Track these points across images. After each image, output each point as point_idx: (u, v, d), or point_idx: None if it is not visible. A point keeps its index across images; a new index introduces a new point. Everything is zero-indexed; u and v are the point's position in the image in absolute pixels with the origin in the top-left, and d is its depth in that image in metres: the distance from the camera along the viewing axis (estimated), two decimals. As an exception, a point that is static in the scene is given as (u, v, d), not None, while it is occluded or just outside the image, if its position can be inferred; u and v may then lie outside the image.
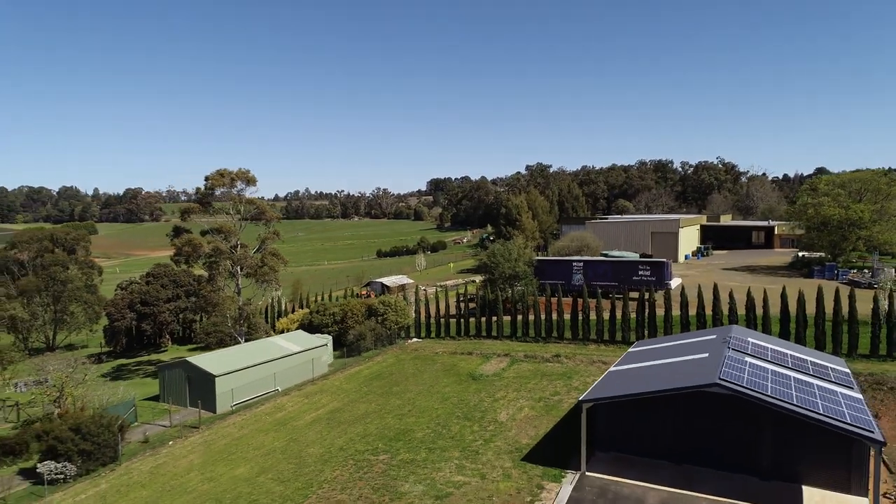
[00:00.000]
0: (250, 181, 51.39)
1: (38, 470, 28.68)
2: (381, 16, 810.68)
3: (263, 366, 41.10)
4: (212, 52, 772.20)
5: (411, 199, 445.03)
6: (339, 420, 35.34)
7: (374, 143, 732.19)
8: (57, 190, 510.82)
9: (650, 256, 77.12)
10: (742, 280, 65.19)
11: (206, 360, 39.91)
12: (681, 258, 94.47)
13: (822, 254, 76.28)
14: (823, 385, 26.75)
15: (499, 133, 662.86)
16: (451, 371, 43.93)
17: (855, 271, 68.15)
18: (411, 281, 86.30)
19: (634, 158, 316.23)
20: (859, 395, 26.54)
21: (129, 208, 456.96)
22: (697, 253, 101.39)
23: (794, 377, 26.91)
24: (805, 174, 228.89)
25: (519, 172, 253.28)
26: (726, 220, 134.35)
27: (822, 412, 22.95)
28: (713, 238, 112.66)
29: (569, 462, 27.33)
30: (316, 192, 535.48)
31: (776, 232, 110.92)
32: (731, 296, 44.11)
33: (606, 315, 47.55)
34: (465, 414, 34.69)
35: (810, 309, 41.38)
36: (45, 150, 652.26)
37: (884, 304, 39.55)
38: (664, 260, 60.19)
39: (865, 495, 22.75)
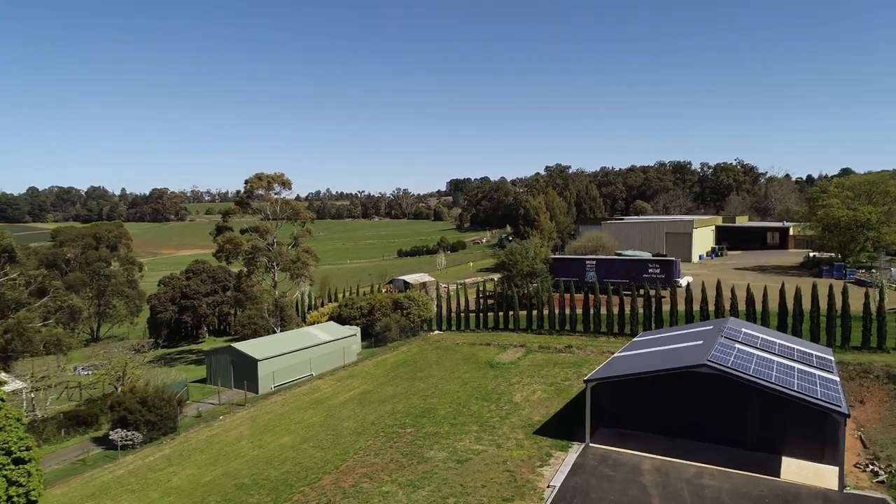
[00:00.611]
0: (286, 184, 55.63)
1: (110, 437, 32.94)
2: (405, 16, 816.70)
3: (299, 352, 45.18)
4: (234, 54, 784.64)
5: (431, 200, 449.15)
6: (370, 400, 39.21)
7: (394, 143, 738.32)
8: (85, 190, 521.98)
9: (664, 256, 79.86)
10: (752, 279, 67.70)
11: (249, 346, 44.12)
12: (695, 258, 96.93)
13: (833, 254, 78.52)
14: (804, 369, 29.93)
15: (519, 133, 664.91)
16: (471, 360, 47.58)
17: (863, 271, 70.41)
18: (432, 279, 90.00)
19: (654, 159, 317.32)
20: (836, 378, 29.64)
21: (155, 208, 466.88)
22: (712, 253, 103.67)
23: (777, 361, 30.14)
24: (830, 175, 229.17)
25: (538, 173, 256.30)
26: (742, 221, 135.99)
27: (796, 390, 26.20)
28: (728, 239, 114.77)
29: (575, 435, 30.82)
30: (337, 192, 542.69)
31: (791, 233, 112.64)
32: (732, 292, 47.24)
33: (616, 310, 50.87)
34: (483, 396, 38.33)
35: (808, 305, 44.26)
36: (74, 150, 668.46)
37: (875, 301, 42.32)
38: (673, 259, 63.27)
39: (836, 465, 25.90)
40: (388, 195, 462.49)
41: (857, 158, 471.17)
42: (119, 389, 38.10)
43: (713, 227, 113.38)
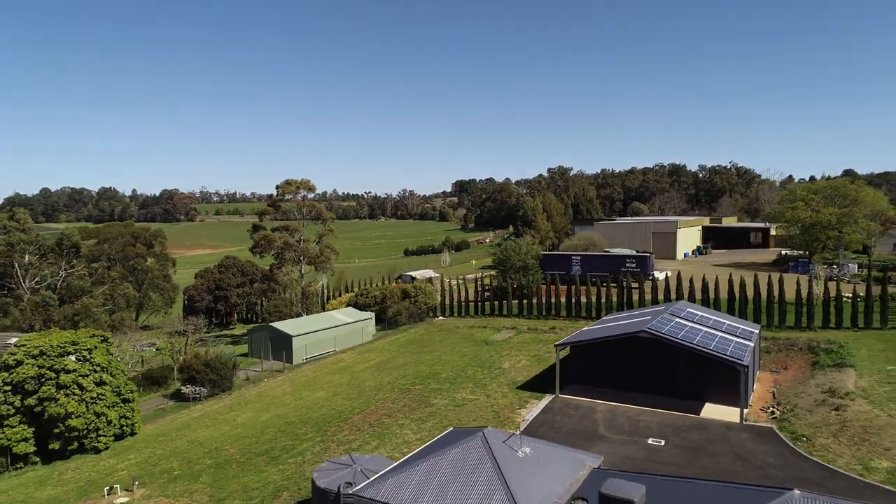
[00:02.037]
0: (311, 188, 64.45)
1: (182, 391, 41.80)
2: (414, 18, 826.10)
3: (325, 331, 53.91)
4: (241, 56, 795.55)
5: (436, 201, 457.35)
6: (385, 367, 47.89)
7: (401, 144, 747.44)
8: (97, 191, 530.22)
9: (643, 252, 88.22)
10: (724, 274, 75.48)
11: (284, 325, 52.92)
12: (679, 255, 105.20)
13: (801, 251, 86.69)
14: (725, 336, 38.40)
15: (524, 135, 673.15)
16: (469, 339, 56.18)
17: (825, 266, 78.58)
18: (437, 274, 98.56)
19: (655, 160, 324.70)
20: (750, 344, 38.00)
21: (165, 209, 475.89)
22: (696, 251, 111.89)
23: (704, 331, 38.65)
24: (831, 176, 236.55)
25: (541, 175, 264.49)
26: (730, 222, 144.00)
27: (711, 349, 34.72)
28: (715, 238, 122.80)
29: (548, 390, 39.38)
30: (343, 193, 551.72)
31: (772, 233, 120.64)
32: (691, 282, 55.73)
33: (594, 298, 59.39)
34: (477, 364, 46.94)
35: (764, 294, 52.71)
36: (86, 152, 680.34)
37: (806, 289, 50.74)
38: (647, 254, 71.80)
39: (743, 407, 34.26)
40: (394, 196, 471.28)
41: (861, 159, 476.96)
42: (182, 359, 46.84)
43: (699, 228, 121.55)
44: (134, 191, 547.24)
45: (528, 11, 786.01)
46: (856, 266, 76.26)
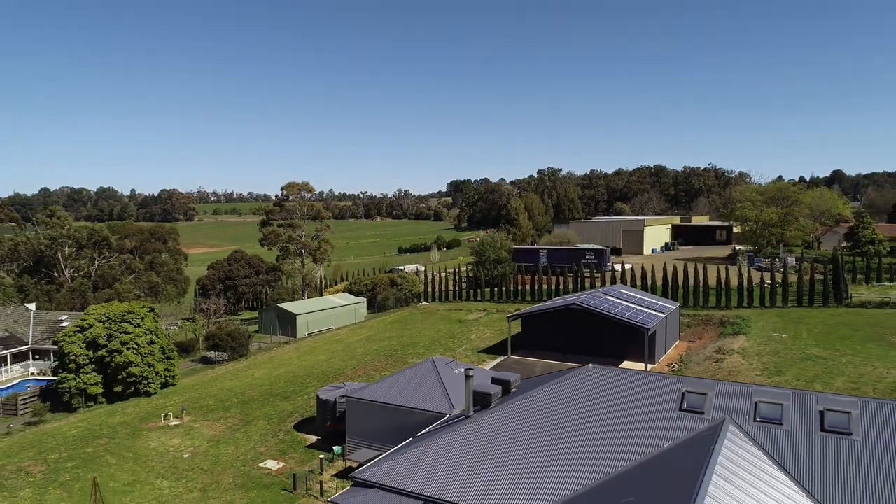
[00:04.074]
0: (310, 190, 74.53)
1: (208, 355, 51.74)
2: (409, 19, 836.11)
3: (324, 311, 63.88)
4: (238, 57, 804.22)
5: (431, 201, 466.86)
6: (373, 339, 57.88)
7: (397, 145, 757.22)
8: (95, 190, 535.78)
9: (606, 247, 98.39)
10: (679, 266, 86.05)
11: (289, 305, 62.93)
12: (647, 251, 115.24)
13: (750, 247, 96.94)
14: (642, 309, 48.44)
15: (519, 136, 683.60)
16: (446, 318, 66.18)
17: (768, 260, 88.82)
18: (423, 268, 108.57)
19: (643, 162, 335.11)
20: (661, 315, 47.95)
21: (164, 208, 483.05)
22: (664, 247, 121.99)
23: (626, 305, 48.71)
24: (820, 176, 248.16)
25: (532, 176, 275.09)
26: (701, 220, 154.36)
27: (626, 318, 44.73)
28: (684, 236, 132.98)
29: (503, 353, 49.38)
30: (340, 193, 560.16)
31: (734, 231, 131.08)
32: (632, 269, 65.81)
33: (554, 286, 69.46)
34: (450, 336, 56.95)
35: (693, 280, 62.90)
36: (84, 151, 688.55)
37: (735, 277, 61.01)
38: (604, 248, 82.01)
39: (649, 361, 44.20)
40: (389, 196, 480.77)
41: (849, 161, 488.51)
42: (206, 331, 56.73)
43: (668, 226, 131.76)
44: (132, 190, 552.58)
45: (529, 12, 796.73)
46: (793, 259, 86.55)
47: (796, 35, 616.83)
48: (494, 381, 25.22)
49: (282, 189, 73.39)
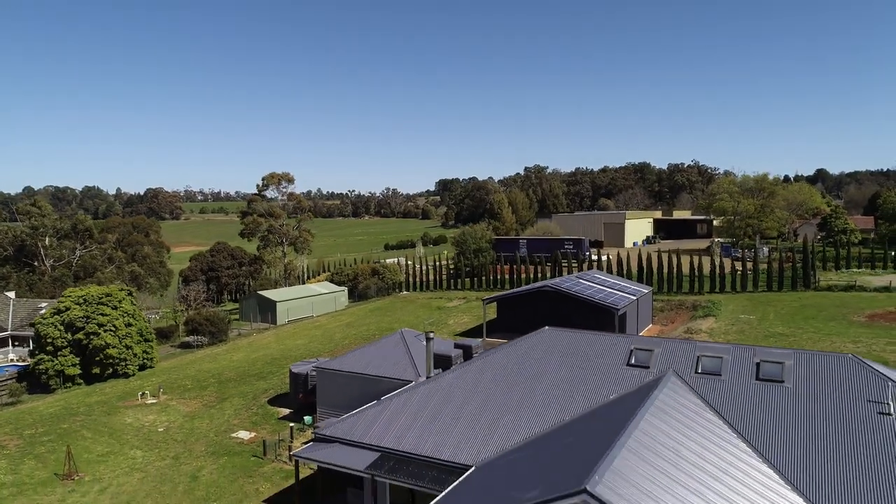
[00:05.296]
0: (290, 180, 75.09)
1: (188, 340, 52.23)
2: (395, 17, 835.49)
3: (304, 298, 64.49)
4: (225, 56, 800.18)
5: (420, 199, 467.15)
6: (353, 325, 58.61)
7: (386, 143, 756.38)
8: (80, 189, 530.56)
9: (584, 238, 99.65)
10: (655, 256, 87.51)
11: (270, 293, 63.51)
12: (629, 244, 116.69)
13: (727, 238, 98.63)
14: (614, 292, 49.55)
15: (507, 135, 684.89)
16: (426, 306, 67.01)
17: (744, 250, 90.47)
18: (406, 259, 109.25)
19: (627, 160, 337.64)
20: (632, 297, 49.08)
21: (150, 207, 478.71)
22: (646, 241, 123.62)
23: (598, 288, 49.79)
24: (804, 175, 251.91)
25: (518, 173, 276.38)
26: (683, 215, 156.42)
27: (597, 299, 45.78)
28: (666, 230, 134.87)
29: (478, 336, 50.24)
30: (328, 192, 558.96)
31: (715, 224, 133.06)
32: (609, 258, 66.99)
33: (532, 274, 70.51)
34: (429, 322, 57.76)
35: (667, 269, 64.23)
36: (69, 150, 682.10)
37: (709, 266, 62.44)
38: (582, 238, 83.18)
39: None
40: (377, 195, 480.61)
41: (833, 159, 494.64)
42: (186, 316, 57.18)
43: (650, 220, 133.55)
44: (118, 189, 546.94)
45: (519, 10, 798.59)
46: (767, 249, 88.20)
47: (781, 32, 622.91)
48: (457, 346, 26.12)
49: (262, 179, 74.10)
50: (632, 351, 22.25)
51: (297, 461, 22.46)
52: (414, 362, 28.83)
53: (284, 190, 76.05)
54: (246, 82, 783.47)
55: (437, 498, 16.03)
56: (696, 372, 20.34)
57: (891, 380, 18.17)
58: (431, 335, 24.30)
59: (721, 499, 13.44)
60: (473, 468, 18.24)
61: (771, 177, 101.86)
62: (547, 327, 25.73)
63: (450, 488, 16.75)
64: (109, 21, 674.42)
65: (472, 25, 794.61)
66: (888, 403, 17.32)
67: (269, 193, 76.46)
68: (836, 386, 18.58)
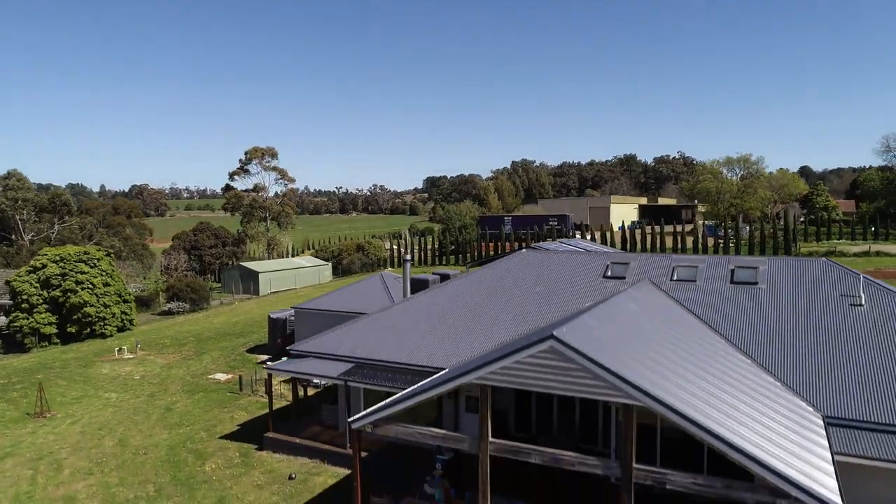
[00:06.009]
0: (274, 155, 74.43)
1: (167, 306, 51.60)
2: (384, 14, 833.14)
3: (288, 271, 64.01)
4: (207, 47, 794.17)
5: (408, 196, 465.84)
6: (336, 294, 58.21)
7: (373, 141, 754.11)
8: (64, 186, 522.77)
9: (570, 214, 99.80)
10: (638, 235, 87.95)
11: (252, 264, 63.02)
12: (614, 227, 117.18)
13: (711, 220, 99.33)
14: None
15: (494, 131, 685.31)
16: (410, 279, 66.76)
17: (727, 230, 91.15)
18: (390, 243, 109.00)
19: (614, 153, 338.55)
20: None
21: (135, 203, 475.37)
22: (631, 225, 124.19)
23: (581, 250, 49.75)
24: (789, 170, 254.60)
25: (506, 168, 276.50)
26: (669, 201, 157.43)
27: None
28: (651, 215, 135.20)
29: (461, 299, 50.14)
30: (315, 189, 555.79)
31: (699, 209, 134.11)
32: (592, 233, 67.11)
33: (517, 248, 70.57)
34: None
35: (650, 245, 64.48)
36: (52, 146, 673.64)
37: (691, 243, 62.78)
38: (567, 214, 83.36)
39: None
40: (365, 192, 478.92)
41: (817, 156, 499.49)
42: (167, 283, 56.57)
43: (636, 206, 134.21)
44: (102, 186, 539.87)
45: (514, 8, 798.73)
46: (747, 228, 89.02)
47: (770, 27, 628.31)
48: (435, 273, 26.04)
49: (245, 153, 73.41)
50: (608, 265, 22.25)
51: (269, 374, 22.28)
52: (393, 300, 28.63)
53: (268, 164, 75.43)
54: (232, 77, 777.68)
55: (415, 385, 15.86)
56: (672, 279, 20.36)
57: (862, 275, 18.26)
58: (408, 258, 24.12)
59: (681, 360, 13.43)
60: (447, 369, 18.09)
61: (754, 157, 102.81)
62: (525, 249, 25.61)
63: (427, 380, 16.59)
64: (94, 15, 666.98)
65: (457, 20, 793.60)
66: (859, 296, 17.39)
67: (253, 168, 75.79)
68: (810, 286, 18.64)
